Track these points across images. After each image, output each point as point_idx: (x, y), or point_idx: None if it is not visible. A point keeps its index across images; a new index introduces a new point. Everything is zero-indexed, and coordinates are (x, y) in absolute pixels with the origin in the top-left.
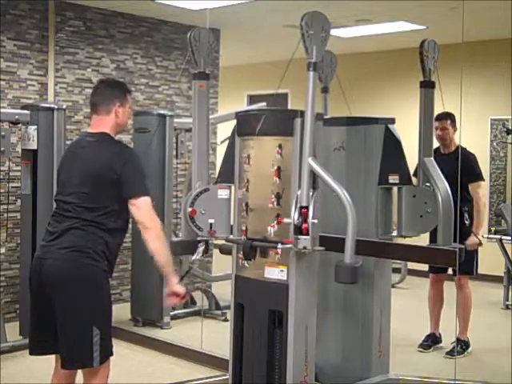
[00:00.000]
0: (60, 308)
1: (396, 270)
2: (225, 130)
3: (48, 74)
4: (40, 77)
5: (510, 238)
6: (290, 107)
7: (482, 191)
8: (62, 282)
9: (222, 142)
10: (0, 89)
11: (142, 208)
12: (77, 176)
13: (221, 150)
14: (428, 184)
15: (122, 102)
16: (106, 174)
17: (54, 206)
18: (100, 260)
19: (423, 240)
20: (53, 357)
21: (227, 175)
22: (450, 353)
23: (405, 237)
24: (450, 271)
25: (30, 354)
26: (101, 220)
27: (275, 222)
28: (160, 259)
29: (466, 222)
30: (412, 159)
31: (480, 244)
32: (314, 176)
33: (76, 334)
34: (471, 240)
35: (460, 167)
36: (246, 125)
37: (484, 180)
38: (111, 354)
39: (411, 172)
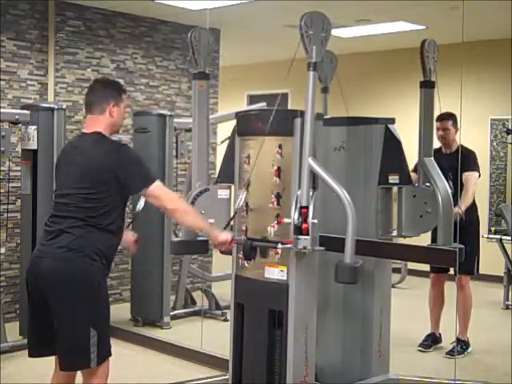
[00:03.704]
0: (56, 309)
1: (396, 270)
2: (225, 130)
3: (48, 73)
4: (40, 77)
5: (510, 237)
6: (290, 107)
7: (474, 180)
8: (58, 283)
9: (222, 142)
10: (0, 89)
11: (157, 195)
12: (72, 176)
13: (221, 150)
14: (428, 184)
15: (117, 102)
16: (100, 173)
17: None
18: (97, 260)
19: (424, 240)
20: (53, 357)
21: (227, 175)
22: (450, 353)
23: (405, 237)
24: (452, 271)
25: (30, 355)
26: (97, 219)
27: (275, 222)
28: (198, 227)
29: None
30: (412, 159)
31: (462, 217)
32: (313, 176)
33: (73, 336)
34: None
35: (460, 164)
36: (246, 125)
37: (480, 174)
38: (109, 355)
39: (411, 168)
